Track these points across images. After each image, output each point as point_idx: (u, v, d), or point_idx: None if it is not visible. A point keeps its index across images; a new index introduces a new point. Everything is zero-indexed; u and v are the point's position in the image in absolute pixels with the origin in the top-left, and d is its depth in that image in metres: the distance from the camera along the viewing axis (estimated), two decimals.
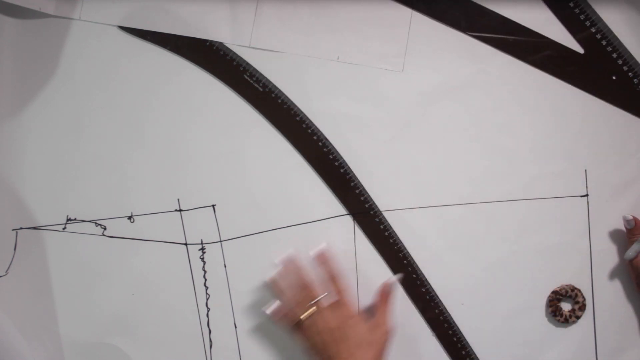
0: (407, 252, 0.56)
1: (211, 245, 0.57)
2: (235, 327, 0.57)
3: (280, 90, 0.56)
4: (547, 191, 0.56)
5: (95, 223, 0.57)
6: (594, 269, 0.56)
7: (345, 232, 0.57)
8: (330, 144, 0.56)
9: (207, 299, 0.57)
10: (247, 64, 0.56)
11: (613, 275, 0.56)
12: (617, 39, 0.54)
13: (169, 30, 0.56)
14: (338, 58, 0.56)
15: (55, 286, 0.57)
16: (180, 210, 0.57)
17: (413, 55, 0.56)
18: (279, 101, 0.56)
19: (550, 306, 0.55)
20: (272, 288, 0.54)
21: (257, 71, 0.56)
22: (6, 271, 0.56)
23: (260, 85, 0.56)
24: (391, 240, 0.56)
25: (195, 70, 0.56)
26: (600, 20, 0.54)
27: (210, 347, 0.57)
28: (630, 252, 0.53)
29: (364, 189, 0.56)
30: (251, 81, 0.56)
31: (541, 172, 0.56)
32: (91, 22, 0.56)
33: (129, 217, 0.57)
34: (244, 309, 0.57)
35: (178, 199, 0.57)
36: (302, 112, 0.56)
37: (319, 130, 0.56)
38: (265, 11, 0.55)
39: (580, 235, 0.56)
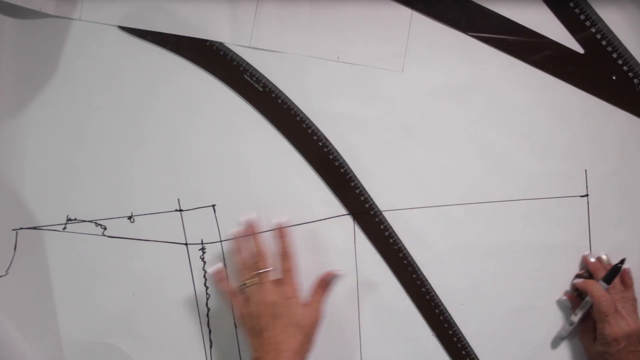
0: (407, 252, 0.56)
1: (211, 245, 0.57)
2: (235, 327, 0.57)
3: (280, 90, 0.56)
4: (547, 191, 0.56)
5: (95, 223, 0.57)
6: None
7: (345, 232, 0.57)
8: (330, 143, 0.56)
9: (207, 299, 0.57)
10: (247, 64, 0.56)
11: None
12: (617, 39, 0.54)
13: (169, 30, 0.56)
14: (338, 58, 0.56)
15: (55, 286, 0.57)
16: (181, 210, 0.57)
17: (413, 55, 0.56)
18: (279, 101, 0.56)
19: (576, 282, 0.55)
20: (231, 244, 0.54)
21: (257, 71, 0.56)
22: (6, 271, 0.56)
23: (260, 85, 0.56)
24: (391, 240, 0.56)
25: (195, 70, 0.56)
26: (600, 20, 0.54)
27: (210, 347, 0.57)
28: (562, 332, 0.55)
29: (364, 189, 0.56)
30: (251, 81, 0.56)
31: (541, 172, 0.56)
32: (91, 22, 0.56)
33: (129, 217, 0.57)
34: None
35: (178, 199, 0.57)
36: (302, 112, 0.56)
37: (319, 130, 0.56)
38: (265, 11, 0.55)
39: (580, 235, 0.56)
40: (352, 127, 0.56)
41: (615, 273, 0.53)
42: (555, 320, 0.56)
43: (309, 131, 0.56)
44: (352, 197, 0.56)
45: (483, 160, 0.56)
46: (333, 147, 0.56)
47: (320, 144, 0.56)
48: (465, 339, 0.56)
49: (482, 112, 0.56)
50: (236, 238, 0.54)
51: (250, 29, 0.56)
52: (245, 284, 0.51)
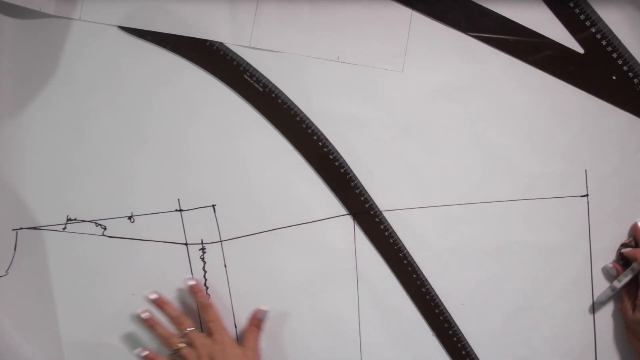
0: (407, 252, 0.56)
1: (211, 245, 0.57)
2: (236, 327, 0.57)
3: (280, 90, 0.56)
4: (547, 191, 0.56)
5: (96, 223, 0.57)
6: (594, 269, 0.56)
7: (345, 232, 0.57)
8: (330, 143, 0.56)
9: (207, 299, 0.57)
10: (247, 64, 0.56)
11: (613, 275, 0.56)
12: (617, 39, 0.54)
13: (169, 30, 0.56)
14: (338, 58, 0.56)
15: (55, 286, 0.57)
16: (181, 210, 0.57)
17: (413, 55, 0.56)
18: (279, 101, 0.56)
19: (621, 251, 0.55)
20: (144, 325, 0.55)
21: (257, 71, 0.56)
22: (6, 271, 0.56)
23: (260, 85, 0.56)
24: (391, 240, 0.56)
25: (195, 70, 0.56)
26: (600, 20, 0.54)
27: None
28: (602, 297, 0.55)
29: (364, 189, 0.56)
30: (251, 81, 0.56)
31: (541, 172, 0.56)
32: (91, 22, 0.56)
33: (129, 217, 0.57)
34: (244, 309, 0.57)
35: (178, 199, 0.57)
36: (302, 112, 0.56)
37: (319, 130, 0.56)
38: (265, 11, 0.55)
39: (580, 235, 0.56)
40: (352, 127, 0.56)
41: None
42: (555, 320, 0.56)
43: (309, 131, 0.56)
44: (352, 197, 0.56)
45: (483, 160, 0.56)
46: (333, 147, 0.56)
47: (320, 144, 0.56)
48: (465, 339, 0.56)
49: (482, 112, 0.56)
50: (146, 317, 0.54)
51: (250, 29, 0.56)
52: (177, 349, 0.52)
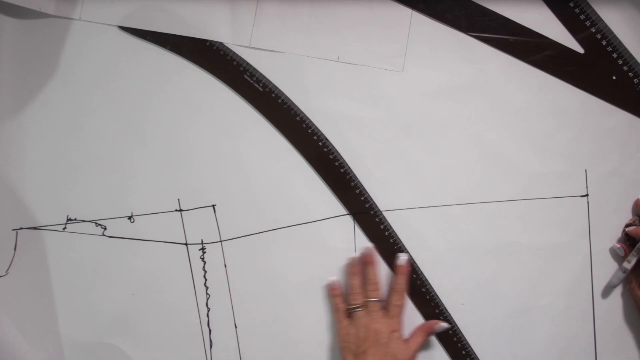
0: (407, 252, 0.56)
1: (211, 245, 0.57)
2: (236, 327, 0.57)
3: (280, 90, 0.56)
4: (547, 191, 0.56)
5: (96, 223, 0.57)
6: (594, 269, 0.56)
7: (345, 232, 0.57)
8: (330, 143, 0.56)
9: (207, 299, 0.57)
10: (247, 64, 0.56)
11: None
12: (617, 39, 0.54)
13: (169, 30, 0.56)
14: (338, 58, 0.56)
15: (55, 286, 0.57)
16: (181, 210, 0.57)
17: (413, 55, 0.56)
18: (279, 101, 0.56)
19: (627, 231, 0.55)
20: (347, 267, 0.55)
21: (257, 71, 0.56)
22: (6, 271, 0.56)
23: (260, 85, 0.56)
24: (391, 240, 0.56)
25: (196, 70, 0.56)
26: (600, 20, 0.54)
27: (211, 347, 0.57)
28: (614, 280, 0.55)
29: (363, 188, 0.56)
30: (251, 81, 0.56)
31: (541, 172, 0.56)
32: (91, 22, 0.56)
33: (129, 217, 0.57)
34: (244, 309, 0.57)
35: (178, 199, 0.57)
36: (302, 112, 0.56)
37: (319, 130, 0.56)
38: (265, 11, 0.55)
39: (580, 235, 0.56)
40: (351, 127, 0.56)
41: None
42: (555, 320, 0.56)
43: (309, 131, 0.56)
44: (352, 197, 0.56)
45: (483, 160, 0.56)
46: (333, 146, 0.56)
47: (320, 143, 0.56)
48: (465, 339, 0.56)
49: (482, 112, 0.56)
50: (353, 263, 0.55)
51: (250, 29, 0.56)
52: (355, 306, 0.53)
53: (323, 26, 0.56)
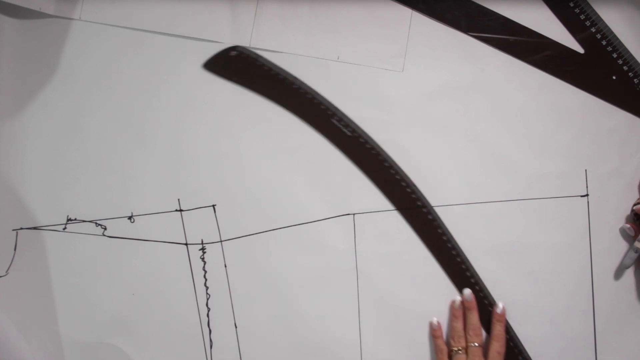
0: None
1: (211, 245, 0.57)
2: (236, 327, 0.57)
3: (304, 83, 0.56)
4: (547, 191, 0.56)
5: (96, 223, 0.57)
6: (594, 269, 0.56)
7: (345, 232, 0.57)
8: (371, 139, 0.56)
9: (207, 299, 0.57)
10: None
11: (613, 275, 0.56)
12: (617, 39, 0.54)
13: (169, 30, 0.56)
14: (338, 58, 0.56)
15: (55, 286, 0.57)
16: (181, 210, 0.57)
17: (413, 55, 0.56)
18: (308, 97, 0.56)
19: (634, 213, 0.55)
20: (450, 309, 0.56)
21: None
22: (6, 271, 0.56)
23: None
24: (439, 230, 0.56)
25: (195, 69, 0.56)
26: (600, 20, 0.54)
27: (211, 347, 0.57)
28: (627, 260, 0.54)
29: (411, 184, 0.56)
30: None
31: (541, 172, 0.56)
32: (91, 22, 0.56)
33: (129, 217, 0.57)
34: (244, 309, 0.57)
35: (178, 199, 0.57)
36: (325, 101, 0.56)
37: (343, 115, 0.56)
38: (265, 11, 0.55)
39: (580, 235, 0.56)
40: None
41: None
42: (555, 320, 0.56)
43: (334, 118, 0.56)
44: (399, 192, 0.56)
45: (483, 160, 0.56)
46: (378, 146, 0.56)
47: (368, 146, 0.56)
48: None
49: (482, 112, 0.56)
50: (455, 306, 0.56)
51: (250, 29, 0.56)
52: (458, 349, 0.54)
53: (323, 26, 0.56)
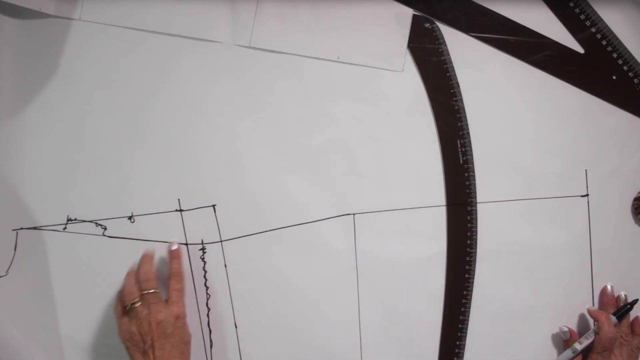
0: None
1: (212, 245, 0.57)
2: (236, 327, 0.57)
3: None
4: (548, 191, 0.56)
5: (96, 223, 0.57)
6: (594, 269, 0.56)
7: (345, 232, 0.57)
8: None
9: (207, 299, 0.57)
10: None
11: (613, 275, 0.56)
12: (617, 39, 0.54)
13: (168, 30, 0.56)
14: (338, 58, 0.56)
15: (55, 286, 0.57)
16: (181, 210, 0.57)
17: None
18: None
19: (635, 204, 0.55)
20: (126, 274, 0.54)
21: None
22: (6, 271, 0.56)
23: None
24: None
25: (196, 70, 0.56)
26: (600, 20, 0.54)
27: (211, 347, 0.57)
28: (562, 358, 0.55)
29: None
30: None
31: (541, 172, 0.56)
32: (91, 22, 0.56)
33: (129, 217, 0.57)
34: (244, 309, 0.57)
35: (178, 199, 0.57)
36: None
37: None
38: (265, 11, 0.55)
39: (581, 235, 0.56)
40: (351, 127, 0.56)
41: (625, 312, 0.53)
42: (555, 320, 0.56)
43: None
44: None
45: (483, 160, 0.56)
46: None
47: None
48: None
49: (482, 112, 0.56)
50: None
51: (250, 29, 0.56)
52: (133, 303, 0.52)
53: (323, 26, 0.56)
